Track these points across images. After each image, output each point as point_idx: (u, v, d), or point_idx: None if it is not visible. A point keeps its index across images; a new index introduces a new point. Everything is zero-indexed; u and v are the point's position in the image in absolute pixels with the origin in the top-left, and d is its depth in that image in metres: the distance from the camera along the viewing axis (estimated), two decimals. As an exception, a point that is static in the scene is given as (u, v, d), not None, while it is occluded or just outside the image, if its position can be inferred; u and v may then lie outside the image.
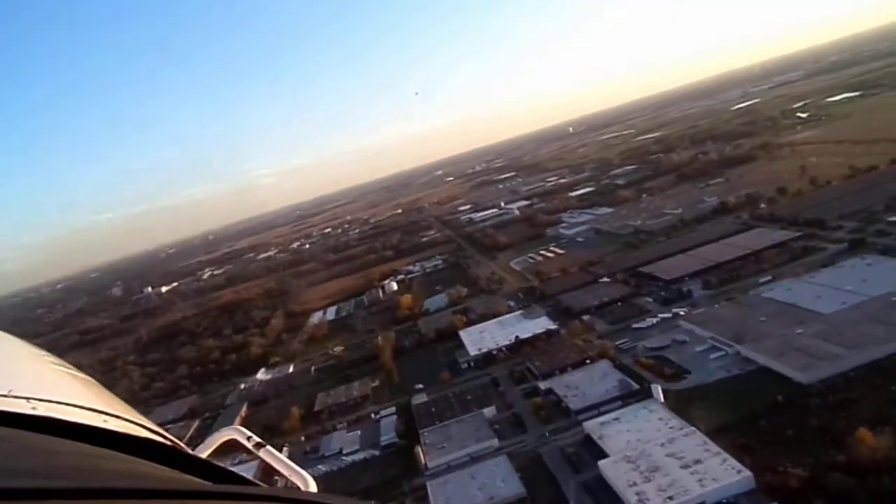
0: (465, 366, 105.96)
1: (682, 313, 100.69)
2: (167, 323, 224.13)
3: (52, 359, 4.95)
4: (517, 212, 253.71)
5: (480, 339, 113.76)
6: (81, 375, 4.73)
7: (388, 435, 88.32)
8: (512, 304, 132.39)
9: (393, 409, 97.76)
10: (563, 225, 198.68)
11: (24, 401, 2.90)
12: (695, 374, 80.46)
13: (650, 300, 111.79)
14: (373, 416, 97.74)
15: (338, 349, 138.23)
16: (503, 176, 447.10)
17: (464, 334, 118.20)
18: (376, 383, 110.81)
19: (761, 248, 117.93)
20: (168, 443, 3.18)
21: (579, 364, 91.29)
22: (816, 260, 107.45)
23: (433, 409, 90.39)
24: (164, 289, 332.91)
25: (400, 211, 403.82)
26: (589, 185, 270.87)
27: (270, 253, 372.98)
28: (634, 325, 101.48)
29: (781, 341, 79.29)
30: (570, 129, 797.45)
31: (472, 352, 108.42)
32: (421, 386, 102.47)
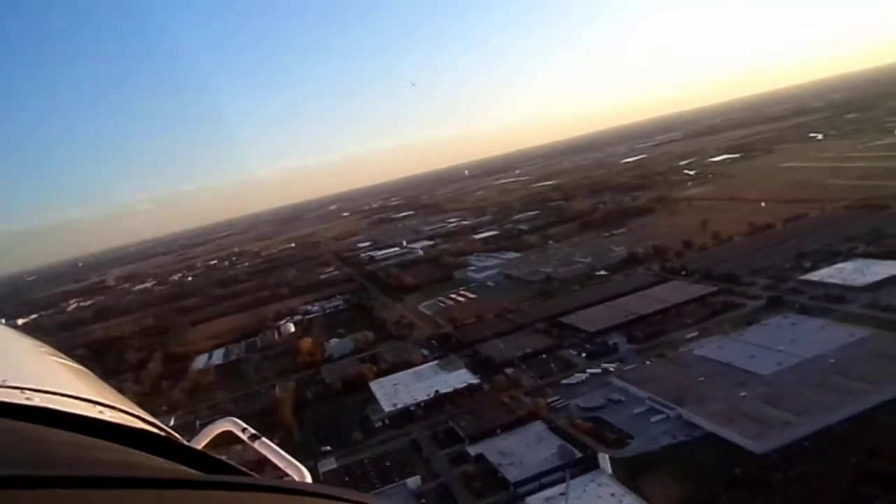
0: (379, 424, 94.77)
1: (611, 369, 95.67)
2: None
3: (48, 349, 5.05)
4: (420, 251, 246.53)
5: (395, 392, 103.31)
6: (77, 366, 4.80)
7: (292, 510, 75.32)
8: (426, 352, 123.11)
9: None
10: (472, 268, 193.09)
11: (18, 391, 2.96)
12: (638, 439, 74.44)
13: (574, 353, 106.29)
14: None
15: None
16: (401, 214, 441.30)
17: (375, 386, 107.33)
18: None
19: (681, 302, 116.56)
20: (163, 434, 3.27)
21: (511, 425, 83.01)
22: (737, 316, 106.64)
23: (346, 479, 78.56)
24: (20, 321, 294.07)
25: (293, 245, 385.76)
26: (492, 228, 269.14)
27: (148, 284, 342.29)
28: (564, 381, 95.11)
29: (726, 405, 75.23)
30: (466, 172, 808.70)
31: (387, 407, 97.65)
32: (329, 448, 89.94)
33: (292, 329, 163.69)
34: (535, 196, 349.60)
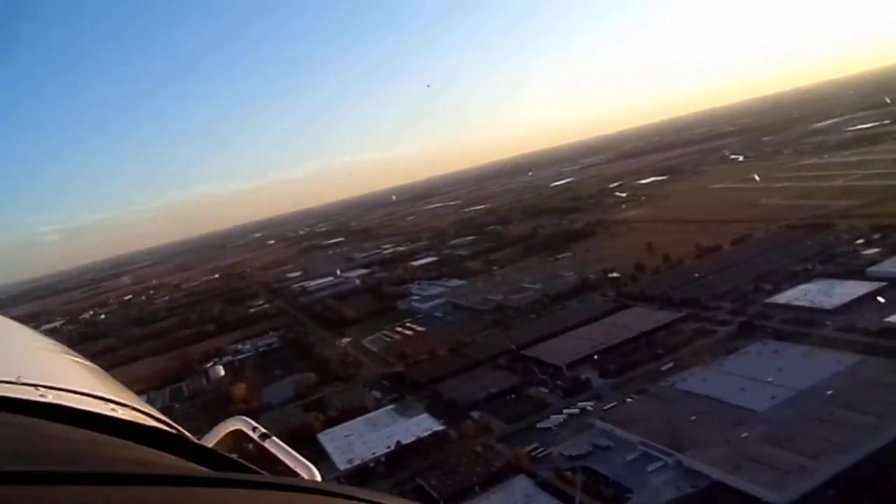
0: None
1: (590, 409, 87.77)
2: None
3: (61, 347, 5.12)
4: (357, 281, 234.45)
5: (349, 445, 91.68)
6: (90, 364, 4.90)
7: None
8: (378, 395, 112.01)
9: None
10: (415, 297, 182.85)
11: (32, 388, 3.02)
12: (638, 493, 66.23)
13: (546, 391, 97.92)
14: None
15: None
16: (331, 241, 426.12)
17: (325, 439, 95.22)
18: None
19: (649, 330, 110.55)
20: (174, 432, 3.34)
21: (490, 481, 73.40)
22: (711, 344, 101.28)
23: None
24: None
25: (217, 276, 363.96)
26: (430, 254, 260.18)
27: (55, 324, 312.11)
28: (539, 425, 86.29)
29: (728, 448, 68.31)
30: (394, 196, 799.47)
31: (341, 464, 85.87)
32: (277, 517, 77.46)
33: (222, 372, 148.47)
34: (470, 220, 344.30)
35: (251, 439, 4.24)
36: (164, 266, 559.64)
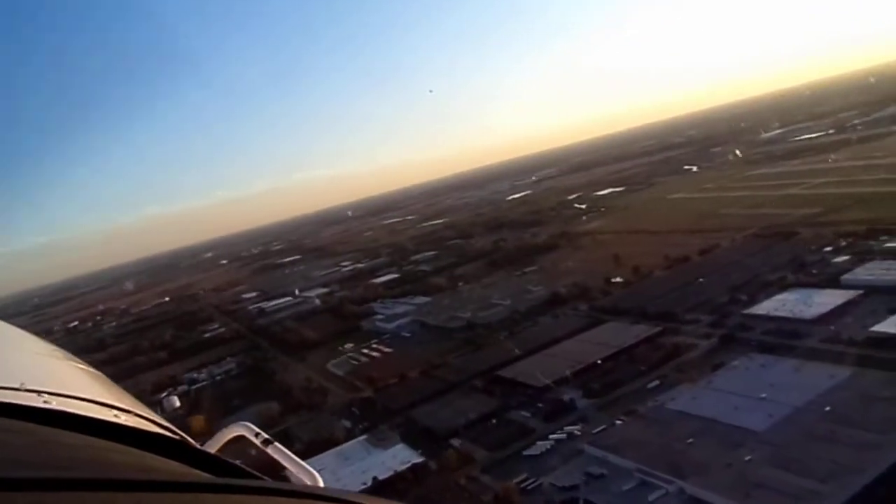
0: (307, 529, 76.00)
1: (577, 433, 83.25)
2: None
3: (64, 354, 5.22)
4: (317, 301, 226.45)
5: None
6: (92, 370, 4.93)
7: None
8: (347, 423, 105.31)
9: None
10: (380, 317, 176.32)
11: (35, 395, 3.02)
12: (641, 526, 61.90)
13: (527, 414, 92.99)
14: None
15: None
16: (287, 259, 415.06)
17: (293, 477, 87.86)
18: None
19: (628, 346, 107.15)
20: (177, 437, 3.36)
21: (479, 520, 68.08)
22: (694, 359, 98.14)
23: None
24: None
25: (168, 299, 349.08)
26: (392, 271, 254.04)
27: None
28: (525, 453, 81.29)
29: (732, 473, 64.51)
30: (349, 212, 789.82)
31: (314, 504, 79.03)
32: (245, 569, 70.21)
33: (177, 404, 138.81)
34: (429, 235, 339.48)
35: (254, 445, 4.16)
36: (111, 289, 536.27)
